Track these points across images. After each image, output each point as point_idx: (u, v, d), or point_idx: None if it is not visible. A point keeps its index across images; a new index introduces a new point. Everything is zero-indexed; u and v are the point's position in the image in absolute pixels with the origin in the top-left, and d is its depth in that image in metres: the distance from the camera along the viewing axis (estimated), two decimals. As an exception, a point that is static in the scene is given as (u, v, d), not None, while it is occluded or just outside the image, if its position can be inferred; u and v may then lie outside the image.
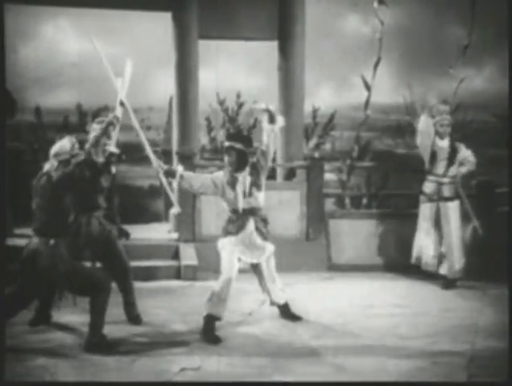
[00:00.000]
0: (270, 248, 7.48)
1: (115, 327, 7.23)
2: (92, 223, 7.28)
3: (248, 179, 7.36)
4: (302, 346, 6.86)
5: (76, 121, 13.59)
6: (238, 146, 7.34)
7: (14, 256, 6.86)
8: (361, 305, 8.30)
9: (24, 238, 9.32)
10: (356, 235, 10.40)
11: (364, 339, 7.05)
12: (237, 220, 7.37)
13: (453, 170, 9.45)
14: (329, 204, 11.11)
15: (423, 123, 9.44)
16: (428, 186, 9.51)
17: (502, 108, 10.39)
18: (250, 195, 7.36)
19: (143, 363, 6.32)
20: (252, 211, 7.38)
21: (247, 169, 7.37)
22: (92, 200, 7.30)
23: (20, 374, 5.97)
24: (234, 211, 7.38)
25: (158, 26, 10.95)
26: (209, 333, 7.10)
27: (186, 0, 10.60)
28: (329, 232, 10.39)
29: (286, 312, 7.71)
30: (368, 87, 11.77)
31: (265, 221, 7.48)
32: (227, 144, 7.42)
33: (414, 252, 9.58)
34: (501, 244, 9.12)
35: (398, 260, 10.16)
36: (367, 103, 11.81)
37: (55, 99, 13.13)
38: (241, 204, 7.34)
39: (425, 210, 9.50)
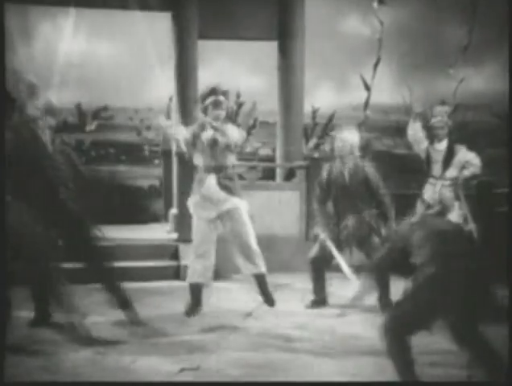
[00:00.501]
0: (235, 201, 7.46)
1: (115, 327, 7.24)
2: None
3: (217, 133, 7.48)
4: (302, 346, 6.86)
5: (75, 121, 13.61)
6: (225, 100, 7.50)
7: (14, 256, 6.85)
8: (360, 305, 8.29)
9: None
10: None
11: (364, 339, 7.05)
12: (200, 177, 7.50)
13: (452, 173, 9.35)
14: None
15: (410, 130, 9.37)
16: (426, 189, 9.41)
17: (502, 108, 10.39)
18: (218, 152, 7.44)
19: (143, 363, 6.32)
20: (216, 169, 7.43)
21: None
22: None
23: (20, 374, 5.97)
24: (198, 168, 7.52)
25: (158, 26, 10.95)
26: (193, 301, 7.47)
27: (186, 0, 10.61)
28: (329, 232, 10.35)
29: (262, 286, 7.64)
30: (367, 87, 11.78)
31: (230, 178, 7.48)
32: (222, 98, 7.46)
33: None
34: (500, 244, 9.11)
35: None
36: (367, 103, 11.82)
37: (55, 99, 13.11)
38: (203, 161, 7.45)
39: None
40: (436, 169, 9.27)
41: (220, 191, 7.43)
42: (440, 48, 12.41)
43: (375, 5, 11.40)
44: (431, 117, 9.34)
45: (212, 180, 7.44)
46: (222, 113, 7.50)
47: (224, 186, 7.44)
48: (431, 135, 9.37)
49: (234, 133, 7.49)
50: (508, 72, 8.77)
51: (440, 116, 9.39)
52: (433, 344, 6.83)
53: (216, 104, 7.45)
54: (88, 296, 7.79)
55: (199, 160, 7.52)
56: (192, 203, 7.57)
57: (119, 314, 7.44)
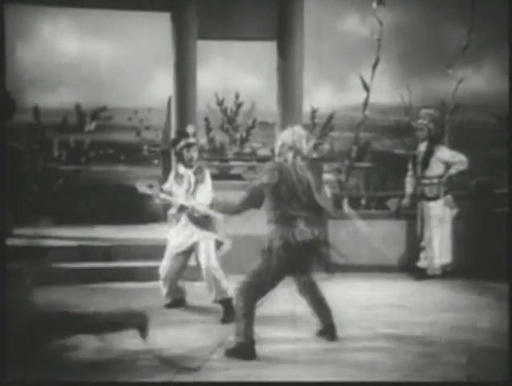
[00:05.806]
0: (202, 234, 7.80)
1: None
2: None
3: (193, 178, 7.87)
4: (301, 346, 6.85)
5: (74, 122, 13.60)
6: (199, 143, 7.83)
7: (14, 256, 6.86)
8: (360, 306, 8.31)
9: (24, 238, 9.36)
10: (354, 235, 10.39)
11: (362, 340, 7.05)
12: (177, 213, 7.91)
13: (431, 172, 9.66)
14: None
15: None
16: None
17: (502, 108, 10.41)
18: (194, 191, 7.84)
19: (143, 362, 6.32)
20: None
21: (194, 167, 7.92)
22: None
23: (21, 374, 5.97)
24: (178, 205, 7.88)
25: (158, 27, 10.96)
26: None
27: (185, 0, 10.62)
28: (328, 233, 10.37)
29: (227, 309, 7.67)
30: (366, 87, 11.78)
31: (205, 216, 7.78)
32: (192, 140, 7.87)
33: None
34: (500, 244, 9.14)
35: (396, 261, 10.17)
36: (366, 103, 11.81)
37: (54, 99, 13.13)
38: (182, 199, 7.82)
39: (417, 210, 9.96)
40: (418, 169, 9.89)
41: (190, 224, 7.87)
42: (439, 48, 12.40)
43: (374, 5, 11.40)
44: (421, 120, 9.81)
45: (185, 217, 7.90)
46: (195, 155, 7.90)
47: (194, 219, 7.85)
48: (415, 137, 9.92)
49: (203, 194, 7.85)
50: (508, 72, 8.79)
51: (422, 118, 9.79)
52: (432, 344, 6.86)
53: (189, 147, 7.84)
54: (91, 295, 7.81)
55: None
56: (170, 236, 8.08)
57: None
